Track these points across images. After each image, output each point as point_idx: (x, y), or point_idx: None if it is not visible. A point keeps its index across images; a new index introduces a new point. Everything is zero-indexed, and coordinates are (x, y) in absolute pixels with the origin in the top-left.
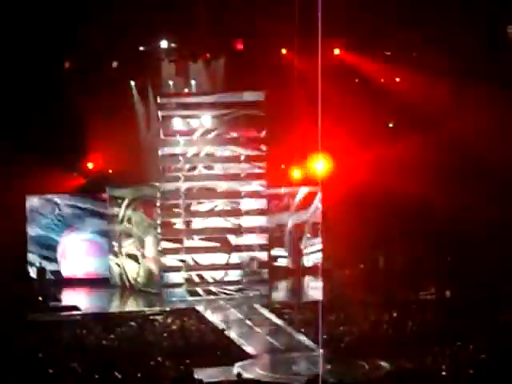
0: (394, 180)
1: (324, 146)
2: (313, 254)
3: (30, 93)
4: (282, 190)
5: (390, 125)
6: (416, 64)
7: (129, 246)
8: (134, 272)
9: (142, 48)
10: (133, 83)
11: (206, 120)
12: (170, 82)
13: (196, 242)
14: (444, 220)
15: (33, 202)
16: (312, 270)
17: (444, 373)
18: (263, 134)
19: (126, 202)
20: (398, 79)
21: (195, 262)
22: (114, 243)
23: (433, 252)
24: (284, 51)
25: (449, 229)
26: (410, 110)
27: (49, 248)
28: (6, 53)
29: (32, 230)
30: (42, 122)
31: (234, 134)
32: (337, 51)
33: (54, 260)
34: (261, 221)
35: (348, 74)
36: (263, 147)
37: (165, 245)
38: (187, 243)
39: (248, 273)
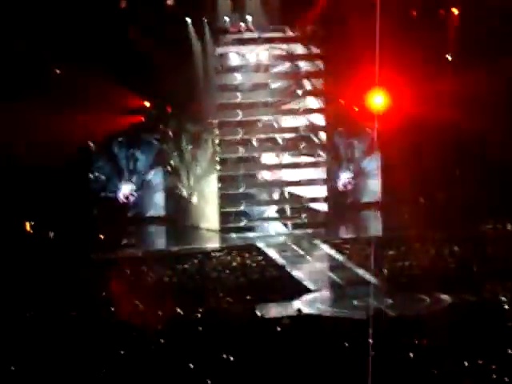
0: (453, 115)
1: (383, 80)
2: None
3: (91, 31)
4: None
5: (449, 57)
6: None
7: (188, 183)
8: (194, 209)
9: None
10: (189, 20)
11: (262, 55)
12: (226, 18)
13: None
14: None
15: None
16: (372, 205)
17: (506, 306)
18: (321, 68)
19: (185, 139)
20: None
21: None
22: (174, 181)
23: (491, 187)
24: None
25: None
26: (470, 42)
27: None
28: None
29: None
30: (103, 59)
31: (291, 69)
32: None
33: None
34: (320, 157)
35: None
36: (321, 80)
37: (225, 182)
38: (247, 179)
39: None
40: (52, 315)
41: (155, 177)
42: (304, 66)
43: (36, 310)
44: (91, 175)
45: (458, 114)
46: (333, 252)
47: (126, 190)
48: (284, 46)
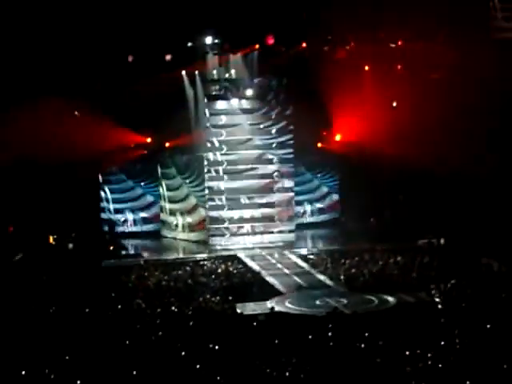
0: (397, 148)
1: (340, 122)
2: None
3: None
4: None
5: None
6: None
7: (180, 203)
8: (185, 224)
9: (190, 44)
10: (183, 72)
11: (243, 101)
12: (214, 71)
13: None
14: (442, 178)
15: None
16: (331, 222)
17: (440, 306)
18: (289, 111)
19: (178, 169)
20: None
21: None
22: (167, 202)
23: (429, 208)
24: (304, 44)
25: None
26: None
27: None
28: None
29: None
30: (117, 106)
31: (267, 112)
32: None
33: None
34: (287, 183)
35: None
36: (290, 122)
37: (211, 202)
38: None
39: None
40: (70, 311)
41: (151, 197)
42: (276, 111)
43: (58, 307)
44: (102, 199)
45: (402, 147)
46: (299, 261)
47: (128, 215)
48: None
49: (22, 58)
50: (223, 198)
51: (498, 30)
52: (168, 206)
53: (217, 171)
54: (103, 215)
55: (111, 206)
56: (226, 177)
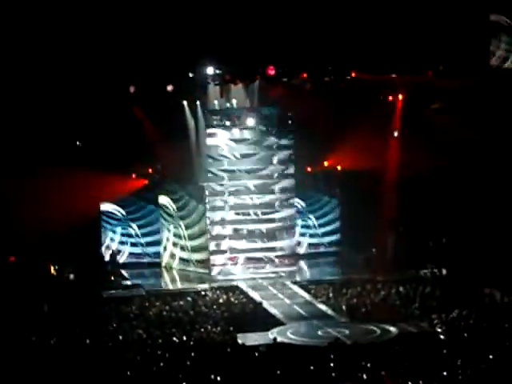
0: (395, 179)
1: (341, 152)
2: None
3: (102, 114)
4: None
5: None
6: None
7: (181, 235)
8: (185, 256)
9: (191, 74)
10: (185, 102)
11: (244, 131)
12: (215, 101)
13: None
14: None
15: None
16: (332, 254)
17: (442, 336)
18: (290, 141)
19: (178, 200)
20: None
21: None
22: (168, 233)
23: (430, 237)
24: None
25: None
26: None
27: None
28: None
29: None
30: (115, 138)
31: (267, 141)
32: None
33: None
34: (289, 212)
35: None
36: (291, 152)
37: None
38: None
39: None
40: (71, 342)
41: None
42: (277, 140)
43: (59, 337)
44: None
45: (403, 177)
46: (300, 291)
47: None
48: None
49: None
50: (225, 227)
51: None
52: (172, 238)
53: (219, 200)
54: (105, 245)
55: (116, 236)
56: (227, 207)
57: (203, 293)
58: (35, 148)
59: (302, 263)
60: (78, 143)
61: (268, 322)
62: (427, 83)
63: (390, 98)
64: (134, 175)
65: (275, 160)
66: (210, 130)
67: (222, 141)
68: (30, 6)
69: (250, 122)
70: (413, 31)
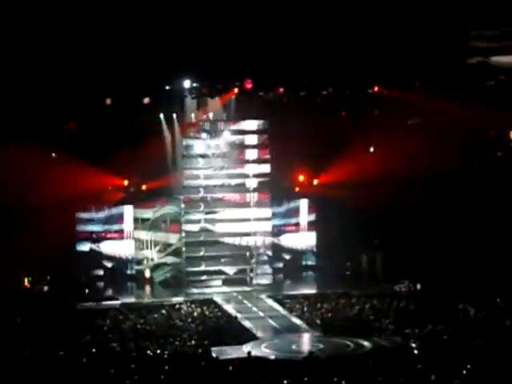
0: (370, 194)
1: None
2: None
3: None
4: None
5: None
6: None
7: (157, 249)
8: (161, 269)
9: (167, 87)
10: (162, 115)
11: (220, 144)
12: (192, 115)
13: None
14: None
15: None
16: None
17: (416, 351)
18: (267, 155)
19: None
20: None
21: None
22: (144, 248)
23: (405, 251)
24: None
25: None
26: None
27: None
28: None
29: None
30: (97, 148)
31: (244, 155)
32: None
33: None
34: (265, 226)
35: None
36: (268, 166)
37: (187, 248)
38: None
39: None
40: (45, 354)
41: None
42: (252, 153)
43: (32, 349)
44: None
45: (379, 191)
46: (275, 305)
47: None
48: (238, 137)
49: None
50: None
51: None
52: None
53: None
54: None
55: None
56: (203, 220)
57: (178, 306)
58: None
59: (277, 276)
60: (53, 155)
61: (242, 335)
62: (404, 99)
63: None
64: (109, 187)
65: (251, 174)
66: (186, 142)
67: (198, 154)
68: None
69: (227, 135)
70: (391, 46)
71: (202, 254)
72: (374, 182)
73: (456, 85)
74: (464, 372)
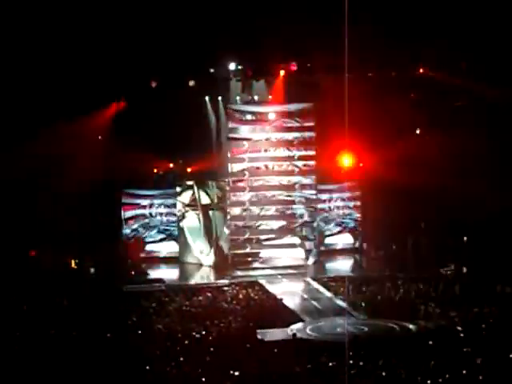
0: (417, 176)
1: (358, 148)
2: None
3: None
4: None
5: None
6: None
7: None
8: (205, 251)
9: (212, 70)
10: (207, 98)
11: (265, 126)
12: (237, 97)
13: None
14: (458, 207)
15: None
16: (353, 251)
17: (461, 334)
18: (312, 136)
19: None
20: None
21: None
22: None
23: (451, 234)
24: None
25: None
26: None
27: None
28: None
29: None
30: (142, 131)
31: (289, 138)
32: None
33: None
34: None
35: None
36: (312, 148)
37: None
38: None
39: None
40: (93, 336)
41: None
42: (297, 135)
43: (80, 331)
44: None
45: (419, 174)
46: (320, 288)
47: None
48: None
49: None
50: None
51: None
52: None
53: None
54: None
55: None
56: (247, 203)
57: (223, 288)
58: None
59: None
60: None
61: (287, 318)
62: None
63: (412, 95)
64: (155, 169)
65: (296, 157)
66: (231, 125)
67: (243, 137)
68: None
69: (273, 117)
70: (434, 26)
71: (246, 236)
72: (421, 164)
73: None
74: (510, 356)
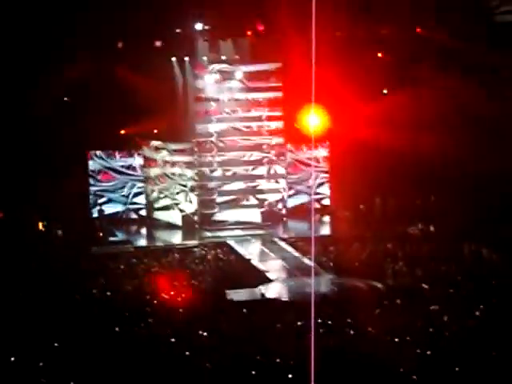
0: (387, 134)
1: (331, 107)
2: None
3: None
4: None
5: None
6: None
7: (170, 192)
8: (173, 212)
9: (178, 30)
10: (174, 59)
11: (233, 86)
12: (204, 58)
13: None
14: (430, 166)
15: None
16: (320, 210)
17: (429, 293)
18: (279, 96)
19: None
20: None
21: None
22: (155, 189)
23: (420, 193)
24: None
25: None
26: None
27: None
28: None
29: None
30: (103, 90)
31: (257, 98)
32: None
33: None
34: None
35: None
36: (280, 109)
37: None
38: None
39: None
40: (61, 298)
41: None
42: (264, 96)
43: (48, 293)
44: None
45: (388, 132)
46: (289, 249)
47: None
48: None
49: None
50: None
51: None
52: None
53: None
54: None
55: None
56: (215, 164)
57: (191, 249)
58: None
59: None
60: (65, 99)
61: (256, 278)
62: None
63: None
64: (122, 131)
65: (264, 117)
66: (198, 85)
67: (211, 97)
68: None
69: (240, 76)
70: None
71: (215, 197)
72: (389, 123)
73: None
74: (477, 313)
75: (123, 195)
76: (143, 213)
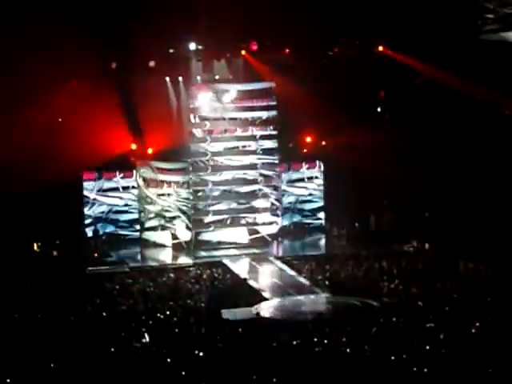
0: (380, 154)
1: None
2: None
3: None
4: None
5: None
6: None
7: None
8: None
9: (171, 50)
10: (167, 78)
11: (227, 106)
12: (198, 77)
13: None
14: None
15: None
16: (316, 229)
17: (424, 311)
18: (274, 115)
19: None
20: None
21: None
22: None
23: (414, 211)
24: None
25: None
26: None
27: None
28: None
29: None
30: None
31: (251, 117)
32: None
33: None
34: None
35: None
36: (274, 128)
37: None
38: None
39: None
40: (55, 318)
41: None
42: (259, 115)
43: (43, 314)
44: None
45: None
46: (284, 267)
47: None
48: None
49: None
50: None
51: None
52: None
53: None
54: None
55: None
56: (210, 183)
57: (186, 269)
58: None
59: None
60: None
61: (251, 297)
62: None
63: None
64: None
65: (258, 136)
66: (192, 105)
67: (205, 116)
68: None
69: (234, 95)
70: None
71: (210, 216)
72: (383, 144)
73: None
74: (473, 331)
75: (116, 215)
76: (137, 233)
